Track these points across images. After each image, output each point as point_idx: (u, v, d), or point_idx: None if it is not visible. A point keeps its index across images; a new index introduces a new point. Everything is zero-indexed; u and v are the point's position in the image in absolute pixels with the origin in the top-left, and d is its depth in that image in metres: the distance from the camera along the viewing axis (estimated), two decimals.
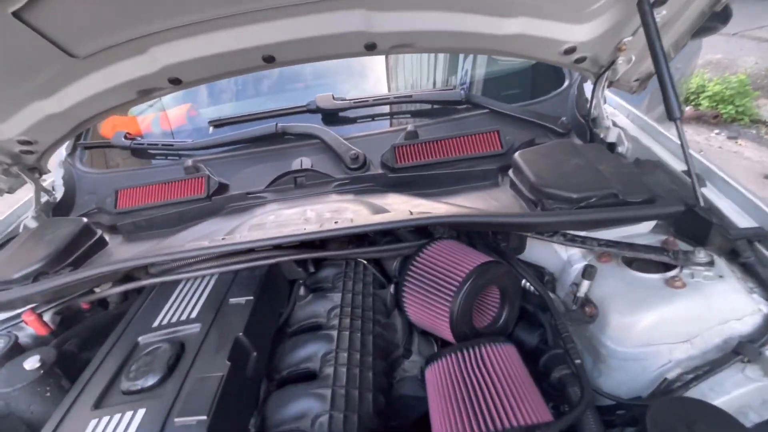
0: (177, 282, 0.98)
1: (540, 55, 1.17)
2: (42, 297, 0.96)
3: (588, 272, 0.83)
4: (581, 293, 0.85)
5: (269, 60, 1.08)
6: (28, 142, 1.25)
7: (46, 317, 1.02)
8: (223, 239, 0.96)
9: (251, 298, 0.89)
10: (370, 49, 1.08)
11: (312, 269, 1.08)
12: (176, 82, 1.12)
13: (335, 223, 0.94)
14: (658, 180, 1.03)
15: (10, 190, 1.43)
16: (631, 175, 0.99)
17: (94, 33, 0.95)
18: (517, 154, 1.10)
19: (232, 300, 0.89)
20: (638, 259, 0.87)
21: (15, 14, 0.83)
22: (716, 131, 4.15)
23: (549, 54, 1.16)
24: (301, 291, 1.04)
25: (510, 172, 1.13)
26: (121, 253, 1.18)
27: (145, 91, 1.14)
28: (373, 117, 1.44)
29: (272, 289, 1.00)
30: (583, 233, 0.93)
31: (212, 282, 0.97)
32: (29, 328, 0.99)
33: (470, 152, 1.24)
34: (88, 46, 0.97)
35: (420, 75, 1.86)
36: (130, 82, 1.09)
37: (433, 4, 0.98)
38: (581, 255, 0.95)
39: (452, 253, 0.91)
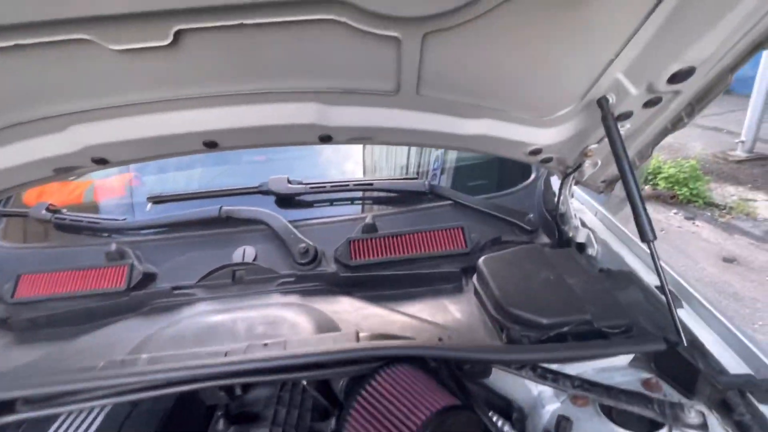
0: (55, 416, 0.77)
1: (505, 153, 1.12)
2: None
3: (562, 427, 0.69)
4: None
5: (211, 145, 0.97)
6: None
7: None
8: (121, 361, 0.77)
9: None
10: (325, 140, 0.99)
11: (239, 392, 0.89)
12: (102, 162, 0.98)
13: (264, 345, 0.78)
14: (633, 298, 0.94)
15: None
16: (604, 295, 0.90)
17: (2, 109, 0.82)
18: (481, 261, 1.00)
19: None
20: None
21: None
22: (674, 211, 4.33)
23: (514, 153, 1.12)
24: (220, 425, 0.85)
25: (474, 279, 1.02)
26: (7, 361, 0.96)
27: (64, 169, 1.00)
28: (331, 202, 1.33)
29: (181, 424, 0.80)
30: (554, 366, 0.81)
31: (100, 418, 0.76)
32: None
33: (432, 250, 1.14)
34: None
35: (387, 156, 1.81)
36: (47, 160, 0.95)
37: (391, 103, 0.92)
38: (553, 393, 0.81)
39: (407, 387, 0.76)
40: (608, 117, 0.89)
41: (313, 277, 1.08)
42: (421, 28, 0.71)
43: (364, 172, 1.80)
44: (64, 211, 1.33)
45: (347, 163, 1.80)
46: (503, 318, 0.86)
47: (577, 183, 1.28)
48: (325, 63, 0.80)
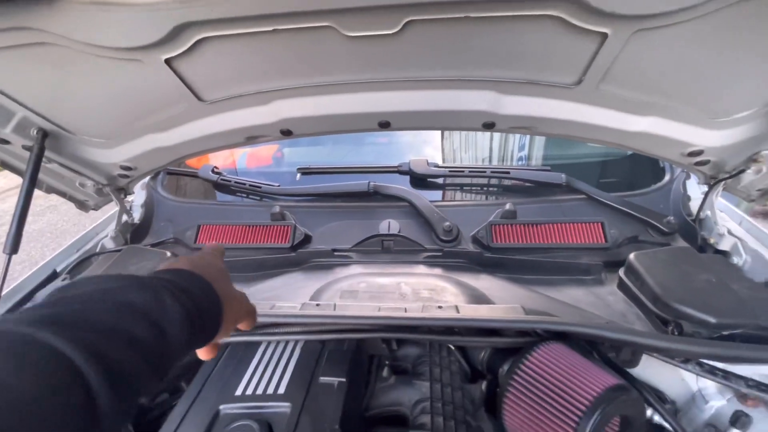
0: (257, 344, 0.93)
1: (660, 152, 1.11)
2: None
3: (742, 422, 0.71)
4: None
5: (384, 125, 1.07)
6: (129, 168, 1.28)
7: None
8: (317, 305, 0.90)
9: (344, 380, 0.81)
10: (488, 127, 1.05)
11: (395, 347, 1.00)
12: (287, 134, 1.12)
13: (439, 307, 0.87)
14: None
15: (96, 207, 1.46)
16: None
17: (228, 84, 0.97)
18: (633, 257, 1.01)
19: (323, 379, 0.82)
20: None
21: (167, 61, 0.86)
22: None
23: (670, 153, 1.10)
24: (384, 372, 0.96)
25: (621, 273, 1.04)
26: None
27: (254, 137, 1.15)
28: (462, 187, 1.40)
29: (360, 368, 0.92)
30: (721, 365, 0.82)
31: (297, 351, 0.90)
32: None
33: (572, 241, 1.17)
34: (217, 93, 1.00)
35: (466, 144, 1.83)
36: (245, 129, 1.10)
37: (564, 95, 0.95)
38: (718, 390, 0.83)
39: (569, 365, 0.81)
40: None
41: (458, 254, 1.16)
42: (636, 25, 0.74)
43: (443, 153, 1.83)
44: (226, 173, 1.52)
45: (426, 148, 1.82)
46: (666, 313, 0.88)
47: (725, 188, 1.23)
48: (521, 55, 0.85)
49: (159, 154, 1.20)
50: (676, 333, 0.81)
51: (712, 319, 0.82)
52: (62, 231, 5.15)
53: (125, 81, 0.94)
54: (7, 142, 1.05)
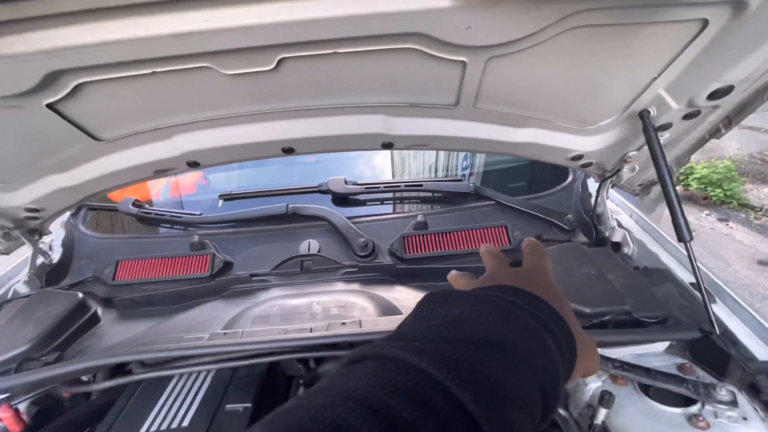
0: (169, 378, 0.93)
1: (549, 158, 1.22)
2: (23, 388, 0.90)
3: (606, 400, 0.79)
4: (598, 420, 0.81)
5: (288, 151, 1.11)
6: (35, 210, 1.24)
7: (22, 407, 0.94)
8: (225, 333, 0.92)
9: (249, 405, 0.83)
10: (387, 147, 1.12)
11: (313, 365, 1.03)
12: (194, 165, 1.14)
13: (342, 324, 0.91)
14: (668, 293, 1.02)
15: (7, 252, 1.40)
16: (642, 288, 0.99)
17: (122, 123, 0.98)
18: None
19: (229, 407, 0.84)
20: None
21: (48, 105, 0.86)
22: (706, 212, 4.28)
23: (557, 158, 1.21)
24: (300, 392, 0.99)
25: None
26: (115, 333, 1.13)
27: (162, 170, 1.16)
28: (382, 201, 1.46)
29: (271, 391, 0.95)
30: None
31: (208, 380, 0.92)
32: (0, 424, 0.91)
33: (478, 246, 1.24)
34: (113, 132, 1.00)
35: (425, 161, 1.93)
36: (150, 163, 1.11)
37: (449, 114, 1.03)
38: (595, 374, 0.92)
39: None
40: (649, 128, 0.97)
41: (373, 268, 1.21)
42: (486, 53, 0.82)
43: (393, 171, 1.93)
44: (147, 206, 1.50)
45: (377, 159, 1.91)
46: None
47: (613, 186, 1.36)
48: (396, 82, 0.92)
49: (64, 194, 1.18)
50: None
51: (586, 309, 0.91)
52: None
53: (11, 126, 0.93)
54: None
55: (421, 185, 1.40)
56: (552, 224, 1.37)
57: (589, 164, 1.24)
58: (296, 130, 1.05)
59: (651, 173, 1.24)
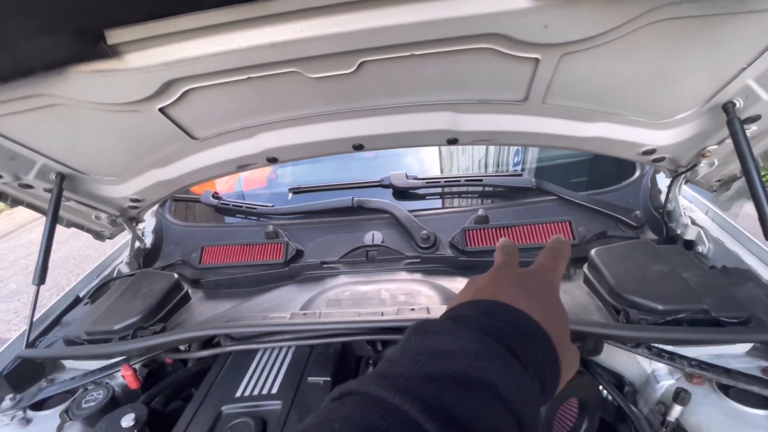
0: (255, 351, 1.04)
1: (617, 153, 1.19)
2: (137, 352, 1.05)
3: (681, 398, 0.79)
4: (672, 417, 0.80)
5: (358, 147, 1.18)
6: (137, 200, 1.42)
7: (136, 368, 1.10)
8: (304, 314, 1.02)
9: (329, 379, 0.92)
10: (452, 142, 1.15)
11: (380, 348, 1.10)
12: (273, 161, 1.25)
13: (411, 309, 0.97)
14: (751, 294, 0.98)
15: (112, 236, 1.61)
16: (720, 288, 0.95)
17: (215, 123, 1.10)
18: (593, 252, 1.09)
19: (311, 379, 0.93)
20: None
21: (160, 109, 0.99)
22: None
23: (627, 153, 1.18)
24: (369, 371, 1.06)
25: (585, 268, 1.12)
26: (203, 310, 1.27)
27: (244, 166, 1.28)
28: (441, 195, 1.50)
29: (345, 368, 1.03)
30: (669, 347, 0.90)
31: (289, 355, 1.02)
32: (121, 380, 1.07)
33: (541, 241, 1.25)
34: (207, 131, 1.13)
35: (473, 156, 1.94)
36: (235, 159, 1.23)
37: (516, 110, 1.05)
38: (668, 371, 0.91)
39: None
40: (734, 121, 0.93)
41: (435, 260, 1.26)
42: (561, 50, 0.83)
43: (441, 165, 1.95)
44: (224, 198, 1.65)
45: (425, 152, 1.94)
46: (619, 303, 0.96)
47: (687, 182, 1.30)
48: (466, 80, 0.96)
49: (162, 186, 1.34)
50: (624, 321, 0.90)
51: (659, 306, 0.90)
52: (84, 257, 5.42)
53: (127, 128, 1.08)
54: (30, 186, 1.20)
55: (481, 180, 1.42)
56: (618, 220, 1.34)
57: (662, 159, 1.20)
58: (367, 128, 1.11)
59: (732, 168, 1.17)
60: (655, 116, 1.06)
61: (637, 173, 1.48)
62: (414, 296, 1.07)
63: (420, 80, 0.95)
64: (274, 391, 0.91)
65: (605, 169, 1.62)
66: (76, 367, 1.23)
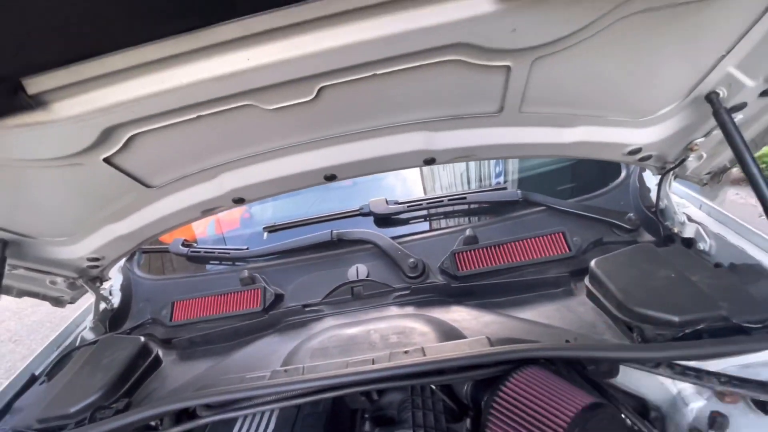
0: (235, 419, 0.91)
1: (603, 156, 1.14)
2: None
3: (719, 424, 0.69)
4: None
5: (330, 178, 1.10)
6: (96, 259, 1.30)
7: None
8: (285, 370, 0.90)
9: None
10: (429, 162, 1.08)
11: (376, 397, 0.99)
12: (239, 201, 1.15)
13: (405, 353, 0.87)
14: (767, 291, 0.91)
15: (73, 301, 1.47)
16: (734, 289, 0.88)
17: (171, 168, 1.00)
18: (593, 264, 1.02)
19: None
20: None
21: (105, 159, 0.89)
22: None
23: (612, 155, 1.13)
24: (366, 427, 0.94)
25: (587, 281, 1.04)
26: (177, 375, 1.14)
27: (209, 210, 1.18)
28: (426, 218, 1.42)
29: (339, 426, 0.91)
30: (693, 363, 0.81)
31: (273, 418, 0.89)
32: None
33: (536, 256, 1.17)
34: (163, 177, 1.03)
35: (455, 171, 1.88)
36: (198, 204, 1.13)
37: (493, 122, 0.99)
38: (696, 390, 0.82)
39: (543, 389, 0.80)
40: (720, 111, 0.88)
41: (426, 289, 1.17)
42: (532, 55, 0.78)
43: (423, 184, 1.88)
44: (195, 245, 1.54)
45: (407, 172, 1.86)
46: (630, 318, 0.87)
47: (676, 177, 1.25)
48: (435, 96, 0.89)
49: (122, 241, 1.22)
50: (639, 339, 0.81)
51: (675, 318, 0.82)
52: (62, 317, 5.11)
53: (72, 183, 0.97)
54: None
55: (465, 197, 1.35)
56: (612, 225, 1.27)
57: (648, 157, 1.15)
58: (337, 157, 1.03)
59: (722, 159, 1.12)
60: (637, 114, 1.01)
61: (623, 174, 1.43)
62: (407, 335, 0.97)
63: (387, 101, 0.88)
64: None
65: (589, 172, 1.58)
66: None
